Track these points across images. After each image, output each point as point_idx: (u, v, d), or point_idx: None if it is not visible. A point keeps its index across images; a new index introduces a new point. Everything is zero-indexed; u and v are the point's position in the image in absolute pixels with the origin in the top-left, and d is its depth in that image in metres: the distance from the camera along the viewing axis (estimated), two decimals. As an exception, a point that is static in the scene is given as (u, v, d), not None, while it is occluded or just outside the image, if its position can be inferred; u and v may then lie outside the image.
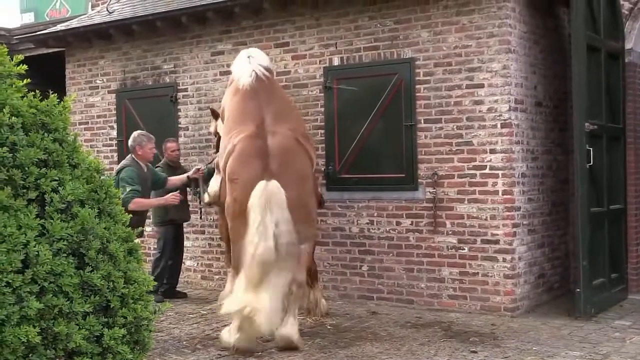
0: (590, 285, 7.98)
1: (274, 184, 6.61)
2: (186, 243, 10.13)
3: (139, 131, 7.83)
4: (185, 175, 8.91)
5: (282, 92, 8.20)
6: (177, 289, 9.54)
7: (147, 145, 7.64)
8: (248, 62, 7.71)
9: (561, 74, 9.23)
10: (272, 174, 6.71)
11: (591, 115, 8.12)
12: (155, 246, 9.56)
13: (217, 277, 10.19)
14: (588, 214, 7.98)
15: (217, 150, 8.84)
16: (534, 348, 6.74)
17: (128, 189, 7.22)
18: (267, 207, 6.50)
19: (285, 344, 6.81)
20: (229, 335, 6.80)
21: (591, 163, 8.05)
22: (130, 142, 7.70)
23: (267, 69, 7.80)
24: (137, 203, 7.70)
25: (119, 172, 7.39)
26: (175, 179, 8.81)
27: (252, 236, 6.47)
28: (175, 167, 9.39)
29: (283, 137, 7.04)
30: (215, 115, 9.04)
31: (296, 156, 7.09)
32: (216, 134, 9.10)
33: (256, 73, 7.58)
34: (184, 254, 9.98)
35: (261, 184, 6.60)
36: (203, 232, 10.24)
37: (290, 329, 6.82)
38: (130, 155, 8.15)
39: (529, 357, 6.46)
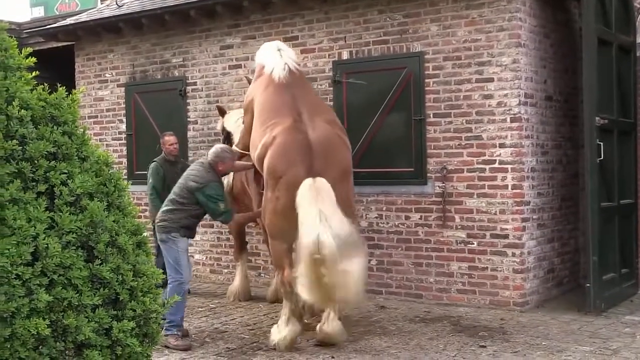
0: (600, 280, 7.95)
1: (322, 181, 6.46)
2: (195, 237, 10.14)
3: (222, 146, 7.36)
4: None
5: (312, 86, 8.16)
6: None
7: (229, 162, 7.31)
8: (279, 55, 7.64)
9: (572, 68, 9.18)
10: (317, 170, 6.55)
11: (602, 110, 8.08)
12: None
13: (225, 270, 10.21)
14: (598, 208, 7.95)
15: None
16: (543, 343, 6.72)
17: (222, 206, 7.02)
18: (317, 205, 6.28)
19: (328, 340, 6.77)
20: (280, 330, 6.74)
21: (602, 157, 8.01)
22: (212, 156, 7.11)
23: (297, 63, 7.81)
24: (238, 219, 7.55)
25: (203, 186, 6.89)
26: None
27: (307, 236, 6.18)
28: (174, 162, 9.30)
29: (324, 130, 6.91)
30: (222, 112, 9.03)
31: (339, 150, 6.96)
32: (223, 131, 9.09)
33: (289, 66, 7.54)
34: (192, 248, 9.99)
35: (308, 182, 6.44)
36: (212, 226, 10.25)
37: (334, 325, 6.76)
38: (206, 164, 7.21)
39: (538, 352, 6.44)
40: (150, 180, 9.06)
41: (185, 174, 7.18)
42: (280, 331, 6.73)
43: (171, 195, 7.08)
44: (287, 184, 6.61)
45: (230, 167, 7.30)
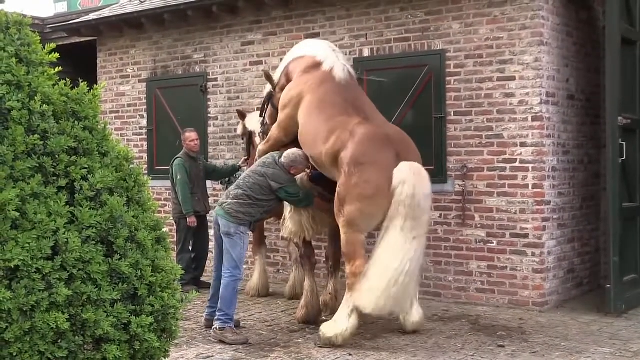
0: (620, 281, 7.88)
1: (417, 165, 6.70)
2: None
3: (298, 153, 7.32)
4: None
5: None
6: (202, 279, 9.54)
7: (301, 168, 7.44)
8: (336, 56, 7.71)
9: (594, 67, 9.10)
10: (406, 157, 6.74)
11: (625, 109, 8.01)
12: (176, 239, 9.56)
13: (244, 266, 10.20)
14: (620, 209, 7.88)
15: (249, 147, 8.77)
16: (562, 344, 6.67)
17: (301, 194, 7.18)
18: (420, 185, 6.55)
19: (416, 329, 7.07)
20: (338, 324, 6.69)
21: (624, 157, 7.94)
22: (288, 161, 7.19)
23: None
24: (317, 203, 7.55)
25: (284, 185, 7.07)
26: None
27: (410, 216, 6.45)
28: (195, 158, 9.35)
29: (396, 127, 7.26)
30: (243, 116, 9.01)
31: (412, 144, 7.14)
32: (244, 135, 9.07)
33: (348, 69, 7.70)
34: (212, 244, 10.00)
35: (405, 164, 6.61)
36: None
37: (418, 316, 7.08)
38: (280, 165, 7.25)
39: (557, 352, 6.40)
40: (179, 177, 9.11)
41: (262, 170, 7.18)
42: (340, 325, 6.64)
43: (246, 191, 7.06)
44: (379, 167, 6.67)
45: (299, 172, 7.37)
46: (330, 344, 6.59)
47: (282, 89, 8.00)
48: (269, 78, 8.17)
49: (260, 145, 8.02)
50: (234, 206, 7.02)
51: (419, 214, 6.52)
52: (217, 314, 6.99)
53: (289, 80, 7.94)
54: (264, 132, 8.32)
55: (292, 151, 7.30)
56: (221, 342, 6.82)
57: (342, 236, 6.88)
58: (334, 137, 6.99)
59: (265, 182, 7.08)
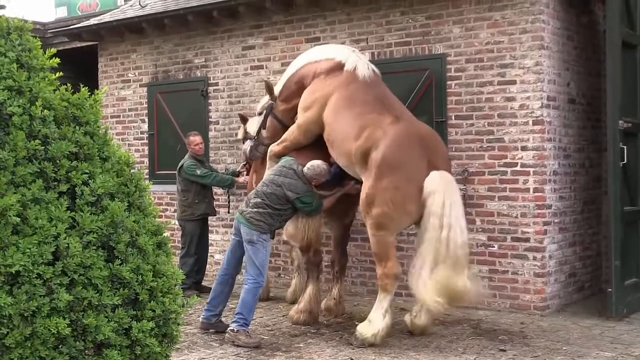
0: (622, 285, 7.88)
1: (447, 175, 6.80)
2: (215, 237, 10.19)
3: (322, 164, 7.29)
4: None
5: None
6: (203, 283, 9.54)
7: (323, 179, 7.44)
8: (357, 57, 7.74)
9: (595, 70, 9.11)
10: (434, 163, 6.81)
11: (625, 113, 8.01)
12: (181, 242, 9.56)
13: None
14: (621, 212, 7.88)
15: (250, 154, 8.73)
16: (563, 348, 6.67)
17: (315, 204, 7.21)
18: (450, 195, 6.63)
19: (422, 332, 7.14)
20: (374, 324, 6.82)
21: (625, 161, 7.94)
22: (311, 173, 7.19)
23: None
24: (326, 205, 7.51)
25: (300, 195, 7.09)
26: None
27: (445, 226, 6.55)
28: (202, 161, 9.38)
29: (425, 126, 7.34)
30: (244, 120, 9.00)
31: (442, 144, 7.28)
32: (245, 139, 9.08)
33: (372, 67, 7.72)
34: (213, 248, 10.03)
35: (436, 174, 6.69)
36: (232, 226, 10.24)
37: (427, 320, 7.14)
38: (301, 176, 7.25)
39: (558, 357, 6.39)
40: (198, 172, 9.10)
41: (278, 180, 7.20)
42: (375, 325, 6.77)
43: (264, 199, 7.10)
44: (410, 175, 6.75)
45: (318, 183, 7.37)
46: (367, 344, 6.73)
47: (289, 98, 8.00)
48: (269, 89, 8.17)
49: (273, 146, 7.98)
50: (255, 215, 7.07)
51: (453, 221, 6.59)
52: (236, 316, 7.03)
53: (301, 86, 7.90)
54: (257, 143, 8.38)
55: (317, 163, 7.29)
56: (232, 344, 6.85)
57: (371, 238, 7.00)
58: (365, 133, 7.02)
59: (282, 191, 7.12)
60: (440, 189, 6.61)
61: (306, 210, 7.28)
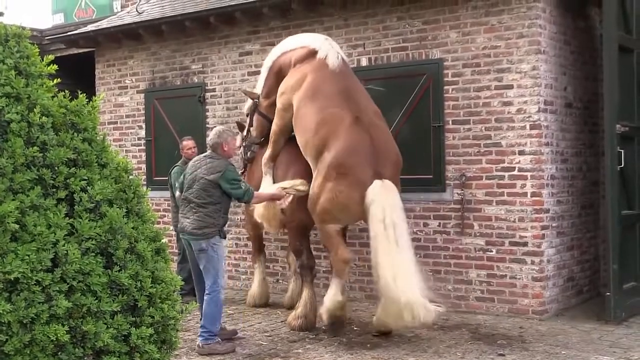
0: (620, 289, 7.88)
1: (389, 184, 7.01)
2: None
3: (222, 127, 7.28)
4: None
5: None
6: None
7: (232, 142, 7.21)
8: (330, 45, 7.90)
9: (592, 75, 9.12)
10: (380, 170, 7.04)
11: (623, 117, 8.03)
12: (178, 248, 9.52)
13: (243, 276, 10.22)
14: (619, 216, 7.88)
15: (245, 156, 8.75)
16: (562, 352, 6.67)
17: (243, 187, 7.01)
18: (389, 207, 6.90)
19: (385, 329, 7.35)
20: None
21: (622, 165, 7.95)
22: (215, 138, 6.96)
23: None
24: (257, 197, 7.36)
25: (223, 172, 6.76)
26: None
27: (384, 240, 6.85)
28: None
29: (382, 130, 7.44)
30: (242, 128, 9.00)
31: (393, 148, 7.41)
32: (243, 147, 9.08)
33: (341, 56, 7.89)
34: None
35: (377, 183, 6.96)
36: (229, 232, 10.25)
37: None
38: (210, 154, 7.06)
39: (557, 361, 6.39)
40: (177, 185, 9.05)
41: (193, 174, 6.93)
42: (336, 297, 7.19)
43: (193, 201, 6.83)
44: (353, 182, 7.05)
45: (234, 146, 7.30)
46: (332, 319, 7.24)
47: (270, 92, 8.25)
48: (249, 94, 8.57)
49: (266, 153, 8.16)
50: (194, 223, 6.80)
51: (394, 223, 6.88)
52: (200, 330, 6.88)
53: (281, 74, 8.15)
54: (249, 143, 8.62)
55: (214, 129, 7.20)
56: (210, 356, 6.73)
57: (319, 231, 7.56)
58: (322, 131, 7.31)
59: (205, 181, 6.81)
60: (380, 197, 6.90)
61: (237, 192, 6.86)
